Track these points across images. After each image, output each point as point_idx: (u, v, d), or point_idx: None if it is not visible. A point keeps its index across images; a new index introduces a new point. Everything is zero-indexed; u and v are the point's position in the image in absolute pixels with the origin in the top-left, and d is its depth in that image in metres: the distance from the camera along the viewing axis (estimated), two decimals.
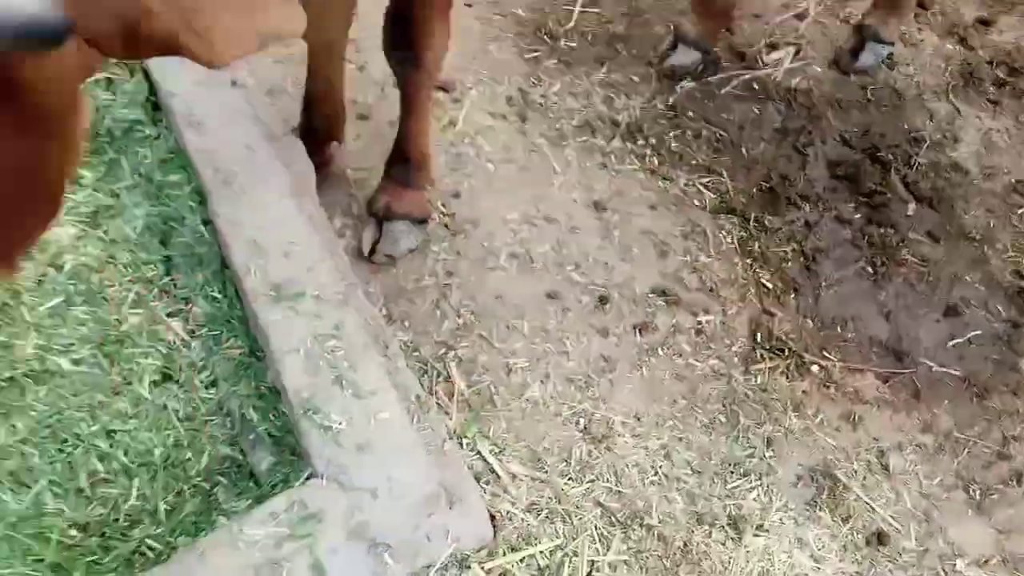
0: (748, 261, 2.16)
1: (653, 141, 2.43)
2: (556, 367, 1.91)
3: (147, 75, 1.91)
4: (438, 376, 1.87)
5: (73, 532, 1.36)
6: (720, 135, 2.46)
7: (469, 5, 2.80)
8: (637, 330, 1.99)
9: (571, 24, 2.75)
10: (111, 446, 1.45)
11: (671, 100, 2.53)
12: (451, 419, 1.78)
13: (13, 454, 1.42)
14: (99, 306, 1.56)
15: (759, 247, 2.19)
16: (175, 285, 1.64)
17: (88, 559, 1.34)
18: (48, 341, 1.51)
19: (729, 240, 2.20)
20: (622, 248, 2.15)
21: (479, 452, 1.73)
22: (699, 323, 2.01)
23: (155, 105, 1.90)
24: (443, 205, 2.20)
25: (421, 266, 2.07)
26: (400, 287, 2.03)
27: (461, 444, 1.72)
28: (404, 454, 1.39)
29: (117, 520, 1.38)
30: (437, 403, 1.77)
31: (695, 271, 2.12)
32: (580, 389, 1.88)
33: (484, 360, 1.91)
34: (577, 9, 2.79)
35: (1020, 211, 2.30)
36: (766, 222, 2.24)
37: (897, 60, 2.66)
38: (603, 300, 2.03)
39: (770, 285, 2.11)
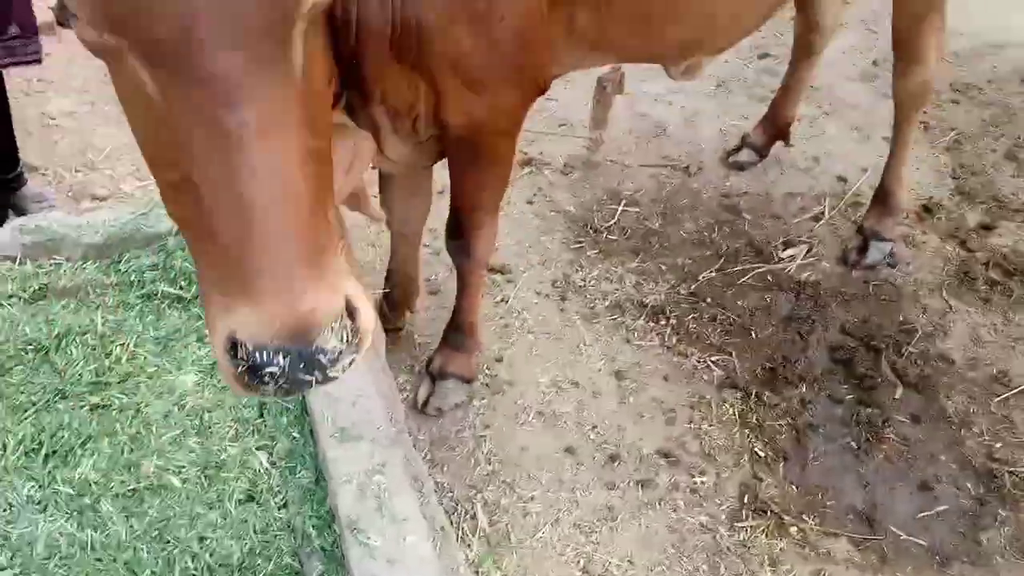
0: (746, 431, 2.48)
1: (674, 322, 2.83)
2: (566, 513, 2.26)
3: None
4: (465, 514, 2.25)
5: None
6: (733, 319, 2.84)
7: (530, 203, 3.36)
8: (640, 485, 2.32)
9: (613, 220, 3.25)
10: (201, 548, 1.86)
11: (693, 287, 2.95)
12: (472, 550, 2.14)
13: (128, 548, 1.85)
14: (206, 438, 2.03)
15: (756, 419, 2.51)
16: (265, 425, 2.10)
17: None
18: (165, 463, 1.98)
19: (731, 412, 2.53)
20: (635, 413, 2.52)
21: None
22: (695, 483, 2.33)
23: None
24: (488, 368, 2.65)
25: (463, 419, 2.50)
26: (443, 436, 2.46)
27: (477, 573, 2.08)
28: (425, 570, 1.76)
29: None
30: (460, 536, 2.15)
31: (697, 437, 2.46)
32: (584, 534, 2.21)
33: (505, 503, 2.28)
34: (620, 208, 3.30)
35: (998, 399, 2.56)
36: (765, 398, 2.57)
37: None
38: (613, 458, 2.39)
39: (762, 453, 2.42)
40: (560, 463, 2.38)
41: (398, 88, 1.82)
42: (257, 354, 1.12)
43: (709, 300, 2.91)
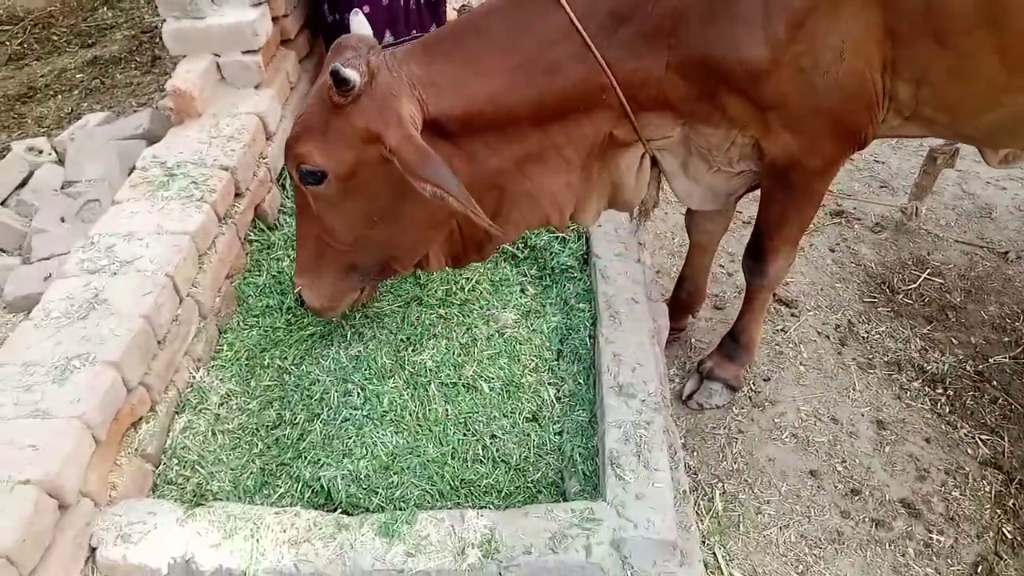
0: (998, 511, 2.47)
1: (951, 393, 2.85)
2: (797, 524, 2.43)
3: (587, 240, 2.93)
4: (704, 495, 2.52)
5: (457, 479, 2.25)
6: (1016, 407, 2.79)
7: (832, 250, 3.51)
8: (875, 524, 2.43)
9: (914, 285, 3.31)
10: (491, 442, 2.32)
11: (980, 367, 2.94)
12: (703, 524, 2.41)
13: (441, 424, 2.29)
14: (514, 363, 2.50)
15: (1014, 504, 2.49)
16: (560, 367, 2.54)
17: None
18: (481, 371, 2.46)
19: (987, 489, 2.53)
20: (887, 462, 2.62)
21: (714, 552, 2.34)
22: (931, 539, 2.39)
23: (585, 259, 2.90)
24: (753, 383, 2.88)
25: (721, 419, 2.76)
26: (699, 427, 2.74)
27: (704, 541, 2.34)
28: (663, 512, 2.07)
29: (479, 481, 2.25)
30: (696, 510, 2.42)
31: (944, 500, 2.50)
32: (809, 546, 2.38)
33: (743, 498, 2.51)
34: (923, 276, 3.34)
35: None
36: None
37: None
38: (855, 492, 2.52)
39: (1010, 535, 2.41)
40: (802, 481, 2.55)
41: (730, 119, 2.09)
42: None
43: (995, 383, 2.89)
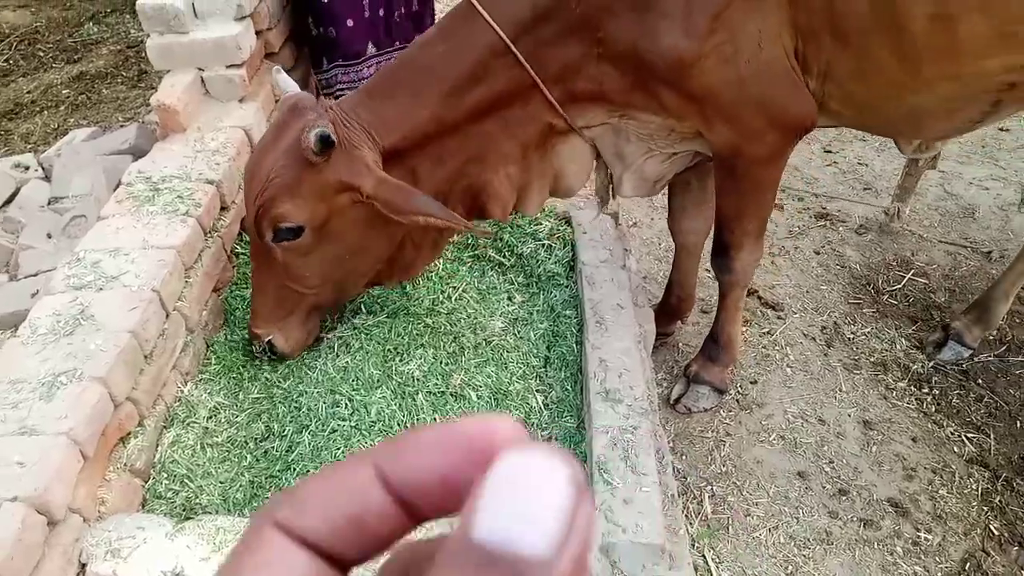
0: (985, 508, 2.50)
1: (936, 392, 2.88)
2: (785, 525, 2.45)
3: (573, 247, 2.94)
4: (693, 499, 2.53)
5: None
6: (1001, 405, 2.83)
7: (817, 253, 3.54)
8: (863, 523, 2.45)
9: (898, 286, 3.34)
10: None
11: (965, 366, 2.97)
12: (692, 527, 2.42)
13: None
14: (501, 371, 2.51)
15: (1001, 501, 2.52)
16: (547, 374, 2.55)
17: None
18: (468, 379, 2.47)
19: (974, 487, 2.56)
20: (874, 461, 2.64)
21: (703, 555, 2.35)
22: (919, 537, 2.41)
23: (571, 266, 2.92)
24: (740, 386, 2.90)
25: (708, 422, 2.78)
26: (687, 431, 2.76)
27: (693, 544, 2.36)
28: (651, 517, 2.08)
29: None
30: (685, 513, 2.44)
31: (932, 499, 2.52)
32: (798, 547, 2.39)
33: (731, 500, 2.53)
34: (907, 277, 3.37)
35: None
36: (1015, 484, 2.56)
37: None
38: (843, 492, 2.54)
39: (997, 532, 2.43)
40: (790, 482, 2.57)
41: (667, 109, 2.18)
42: None
43: (980, 382, 2.92)
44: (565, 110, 2.22)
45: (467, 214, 2.42)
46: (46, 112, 4.72)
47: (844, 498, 2.52)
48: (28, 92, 4.93)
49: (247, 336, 2.51)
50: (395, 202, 2.04)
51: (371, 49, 3.35)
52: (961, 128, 2.27)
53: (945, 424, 2.76)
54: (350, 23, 3.24)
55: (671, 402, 2.84)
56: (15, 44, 5.54)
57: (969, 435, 2.72)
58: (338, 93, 3.34)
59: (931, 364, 2.96)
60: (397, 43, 3.38)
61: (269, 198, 2.11)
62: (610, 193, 2.58)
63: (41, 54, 5.43)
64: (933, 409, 2.81)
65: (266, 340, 2.40)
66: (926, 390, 2.88)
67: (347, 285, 2.42)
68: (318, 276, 2.30)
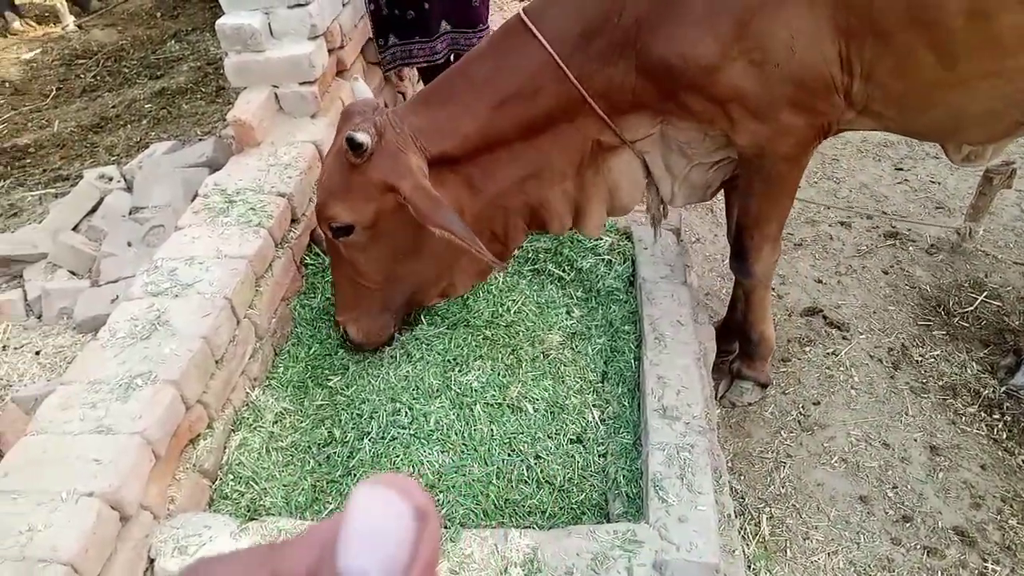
0: None
1: (1008, 419, 2.78)
2: (845, 550, 2.40)
3: (633, 262, 2.95)
4: (751, 519, 2.50)
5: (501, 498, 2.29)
6: None
7: (885, 272, 3.47)
8: (927, 551, 2.38)
9: (970, 308, 3.24)
10: (536, 463, 2.35)
11: None
12: (749, 548, 2.39)
13: (486, 444, 2.37)
14: (559, 384, 2.53)
15: None
16: (604, 389, 2.56)
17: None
18: (525, 392, 2.50)
19: None
20: (941, 488, 2.57)
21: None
22: (986, 568, 2.33)
23: (631, 281, 2.92)
24: (802, 407, 2.86)
25: (768, 443, 2.74)
26: (747, 451, 2.73)
27: (749, 566, 2.33)
28: (706, 536, 2.07)
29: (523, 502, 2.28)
30: (741, 534, 2.41)
31: (1001, 529, 2.44)
32: (858, 573, 2.34)
33: (790, 523, 2.49)
34: (980, 298, 3.27)
35: None
36: None
37: None
38: (906, 519, 2.47)
39: None
40: (851, 507, 2.52)
41: (695, 114, 2.23)
42: None
43: None
44: (614, 123, 2.29)
45: (527, 228, 2.52)
46: (129, 126, 4.95)
47: (908, 525, 2.46)
48: (113, 107, 5.18)
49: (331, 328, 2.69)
50: (424, 210, 2.13)
51: (444, 26, 3.54)
52: (1008, 131, 2.24)
53: (1016, 452, 2.67)
54: (427, 5, 3.44)
55: (718, 398, 2.85)
56: (102, 61, 5.82)
57: None
58: (403, 64, 3.65)
59: (1003, 389, 2.86)
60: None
61: (321, 200, 2.31)
62: (661, 211, 2.61)
63: (126, 70, 5.69)
64: (1004, 436, 2.72)
65: (341, 328, 2.57)
66: (997, 416, 2.79)
67: (412, 286, 2.52)
68: (378, 272, 2.43)
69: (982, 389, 2.89)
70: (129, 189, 3.76)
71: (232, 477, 2.27)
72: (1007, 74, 2.00)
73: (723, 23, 2.03)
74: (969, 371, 2.97)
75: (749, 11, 2.00)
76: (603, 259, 3.01)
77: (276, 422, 2.43)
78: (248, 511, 2.20)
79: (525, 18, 2.19)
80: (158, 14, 6.57)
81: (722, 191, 2.69)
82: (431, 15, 3.48)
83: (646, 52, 2.13)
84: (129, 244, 3.24)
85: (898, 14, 1.94)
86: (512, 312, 2.76)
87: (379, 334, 2.58)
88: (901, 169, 4.12)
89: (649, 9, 2.08)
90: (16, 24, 6.35)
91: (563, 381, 2.55)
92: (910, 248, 3.56)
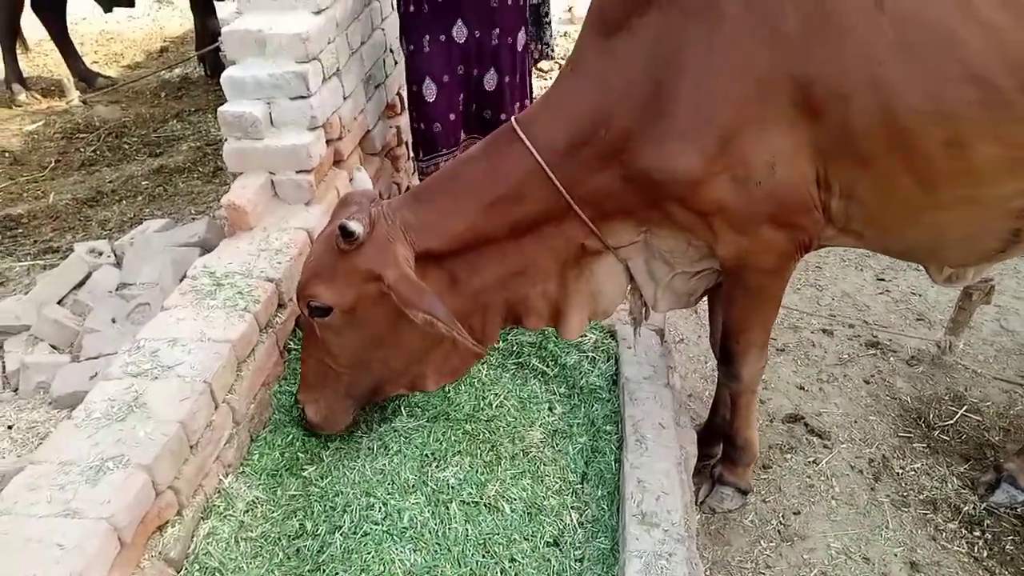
0: None
1: (988, 537, 2.75)
2: None
3: (617, 361, 2.96)
4: None
5: None
6: None
7: (867, 382, 3.49)
8: None
9: (951, 421, 3.25)
10: (510, 566, 2.26)
11: (1020, 510, 2.85)
12: None
13: (460, 544, 2.29)
14: (538, 483, 2.50)
15: None
16: (583, 491, 2.53)
17: None
18: (503, 491, 2.45)
19: None
20: None
21: None
22: None
23: (614, 380, 2.93)
24: (783, 517, 2.83)
25: (748, 552, 2.70)
26: (726, 562, 2.68)
27: None
28: None
29: None
30: None
31: None
32: None
33: None
34: (960, 412, 3.28)
35: None
36: None
37: None
38: None
39: None
40: None
41: (679, 224, 2.29)
42: None
43: None
44: (598, 229, 2.35)
45: (503, 323, 2.57)
46: (124, 201, 5.00)
47: None
48: (110, 182, 5.24)
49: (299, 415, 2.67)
50: (408, 296, 2.19)
51: (462, 136, 3.70)
52: (985, 256, 2.30)
53: (997, 572, 2.63)
54: (452, 117, 3.59)
55: (698, 503, 2.81)
56: (103, 136, 5.92)
57: None
58: None
59: (983, 506, 2.85)
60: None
61: (304, 279, 2.38)
62: (643, 314, 2.65)
63: (126, 147, 5.78)
64: (985, 555, 2.69)
65: (300, 406, 2.59)
66: (978, 533, 2.76)
67: (379, 375, 2.53)
68: (349, 357, 2.45)
69: (963, 505, 2.87)
70: (118, 265, 3.77)
71: (198, 567, 2.20)
72: (984, 201, 2.06)
73: (708, 139, 2.09)
74: (950, 486, 2.96)
75: (733, 129, 2.07)
76: (587, 356, 3.02)
77: (247, 511, 2.38)
78: None
79: (516, 126, 2.27)
80: (163, 94, 6.72)
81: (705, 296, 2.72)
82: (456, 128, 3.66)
83: (632, 163, 2.19)
84: (113, 321, 3.23)
85: (876, 140, 2.00)
86: (494, 406, 2.75)
87: (337, 419, 2.58)
88: (883, 279, 4.20)
89: (636, 122, 2.15)
90: (22, 96, 6.46)
91: (542, 481, 2.53)
92: (891, 358, 3.59)
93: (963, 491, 2.93)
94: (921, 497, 2.91)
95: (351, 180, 3.33)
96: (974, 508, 2.85)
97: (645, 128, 2.15)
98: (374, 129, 3.85)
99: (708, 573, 2.61)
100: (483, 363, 2.90)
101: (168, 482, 2.16)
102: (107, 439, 2.15)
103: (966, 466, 3.04)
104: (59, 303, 3.56)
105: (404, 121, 4.13)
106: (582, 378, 2.93)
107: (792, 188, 2.13)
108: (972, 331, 3.66)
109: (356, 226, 2.21)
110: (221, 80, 3.11)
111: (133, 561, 2.04)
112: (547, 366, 2.99)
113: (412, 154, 3.86)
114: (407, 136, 4.15)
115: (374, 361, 2.48)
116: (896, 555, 2.69)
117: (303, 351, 2.59)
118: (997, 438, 3.15)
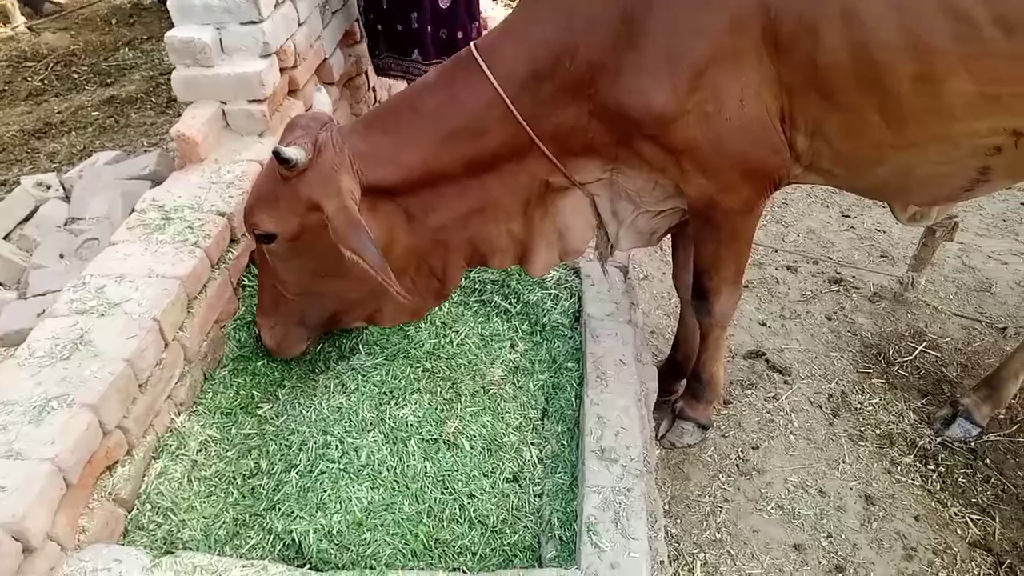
0: None
1: (942, 470, 2.80)
2: None
3: (580, 298, 2.93)
4: (685, 565, 2.47)
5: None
6: (1009, 487, 2.75)
7: (828, 318, 3.50)
8: None
9: (910, 357, 3.28)
10: (469, 502, 2.28)
11: (973, 444, 2.90)
12: None
13: (418, 481, 2.26)
14: (498, 420, 2.48)
15: None
16: (543, 427, 2.51)
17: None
18: (463, 428, 2.43)
19: (975, 572, 2.47)
20: (874, 539, 2.56)
21: None
22: None
23: (577, 317, 2.90)
24: (742, 451, 2.85)
25: (707, 486, 2.72)
26: (684, 495, 2.70)
27: None
28: None
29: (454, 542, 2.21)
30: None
31: None
32: None
33: (724, 569, 2.46)
34: (920, 348, 3.31)
35: None
36: (1019, 571, 2.47)
37: None
38: (839, 568, 2.46)
39: None
40: (786, 555, 2.50)
41: (647, 162, 2.23)
42: None
43: (988, 461, 2.84)
44: (563, 165, 2.26)
45: (467, 263, 2.47)
46: (74, 133, 4.81)
47: (840, 575, 2.45)
48: (59, 112, 5.03)
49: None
50: (342, 231, 2.08)
51: (416, 55, 3.58)
52: (952, 195, 2.28)
53: (949, 504, 2.68)
54: (399, 28, 3.52)
55: (658, 437, 2.82)
56: (51, 65, 5.67)
57: (974, 517, 2.64)
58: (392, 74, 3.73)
59: (939, 440, 2.89)
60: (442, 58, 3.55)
61: (248, 204, 2.31)
62: (608, 249, 2.59)
63: (76, 76, 5.54)
64: (938, 487, 2.74)
65: (257, 330, 2.55)
66: (932, 467, 2.81)
67: (332, 305, 2.47)
68: (297, 284, 2.39)
69: (918, 439, 2.91)
70: (67, 198, 3.64)
71: (150, 507, 2.17)
72: (954, 139, 2.02)
73: (680, 73, 2.01)
74: (906, 420, 3.00)
75: (705, 61, 2.00)
76: (550, 293, 2.98)
77: (200, 450, 2.34)
78: (165, 543, 2.10)
79: (476, 53, 2.16)
80: (113, 20, 6.45)
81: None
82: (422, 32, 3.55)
83: (600, 98, 2.11)
84: (61, 256, 3.12)
85: (845, 75, 1.94)
86: (455, 344, 2.71)
87: (292, 345, 2.53)
88: (848, 216, 4.19)
89: (603, 55, 2.06)
90: None
91: (502, 417, 2.51)
92: (853, 295, 3.60)
93: (919, 426, 2.97)
94: (878, 432, 2.94)
95: (310, 106, 3.20)
96: (929, 442, 2.89)
97: (613, 62, 2.06)
98: (331, 57, 3.70)
99: (666, 506, 2.64)
100: (446, 302, 2.85)
101: (116, 421, 2.10)
102: (51, 378, 2.08)
103: (923, 401, 3.07)
104: (5, 238, 3.43)
105: (363, 49, 3.97)
106: (545, 315, 2.90)
107: (762, 124, 2.07)
108: (934, 268, 3.67)
109: (293, 152, 2.09)
110: (168, 3, 2.96)
111: (81, 502, 2.00)
112: (510, 304, 2.94)
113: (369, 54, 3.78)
114: (367, 65, 4.01)
115: (325, 291, 2.40)
116: (852, 488, 2.72)
117: (259, 276, 2.52)
118: (955, 374, 3.19)
